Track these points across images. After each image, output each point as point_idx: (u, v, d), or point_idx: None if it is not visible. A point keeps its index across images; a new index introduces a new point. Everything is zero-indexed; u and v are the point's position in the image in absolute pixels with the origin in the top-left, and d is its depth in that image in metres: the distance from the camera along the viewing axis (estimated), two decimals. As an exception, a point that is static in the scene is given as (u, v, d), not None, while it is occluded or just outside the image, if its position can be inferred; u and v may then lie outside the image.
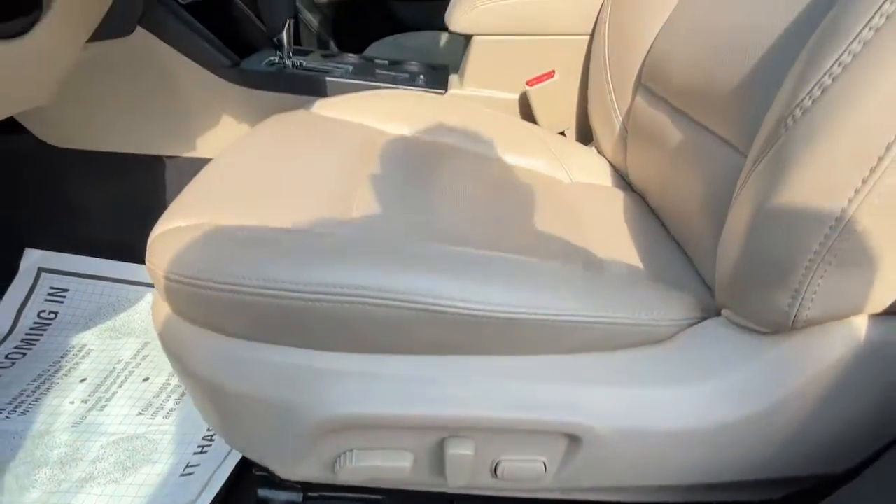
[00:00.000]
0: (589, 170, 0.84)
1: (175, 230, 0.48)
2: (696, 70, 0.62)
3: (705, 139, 0.58)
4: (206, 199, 0.51)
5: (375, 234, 0.50)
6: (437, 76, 1.01)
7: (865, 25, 0.34)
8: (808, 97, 0.36)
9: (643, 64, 0.76)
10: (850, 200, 0.34)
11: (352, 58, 1.07)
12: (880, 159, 0.33)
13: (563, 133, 0.94)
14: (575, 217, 0.69)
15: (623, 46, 0.80)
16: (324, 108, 0.83)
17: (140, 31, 0.86)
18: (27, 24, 0.66)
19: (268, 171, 0.60)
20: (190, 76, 0.90)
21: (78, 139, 0.95)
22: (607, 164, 0.86)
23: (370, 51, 1.53)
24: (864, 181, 0.34)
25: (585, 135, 0.92)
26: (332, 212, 0.53)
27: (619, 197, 0.78)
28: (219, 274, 0.42)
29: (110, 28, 0.82)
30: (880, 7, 0.34)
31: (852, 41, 0.35)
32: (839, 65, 0.35)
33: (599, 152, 0.88)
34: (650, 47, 0.75)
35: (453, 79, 0.97)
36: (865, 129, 0.34)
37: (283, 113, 0.79)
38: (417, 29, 1.74)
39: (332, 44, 1.87)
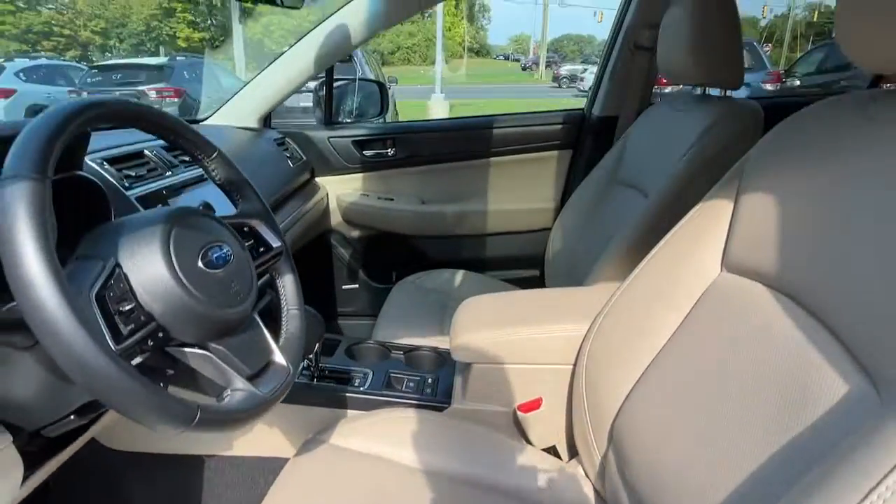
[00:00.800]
0: (577, 496, 0.93)
1: None
2: (650, 471, 0.72)
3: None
4: None
5: None
6: (445, 376, 1.15)
7: None
8: None
9: (615, 419, 0.87)
10: None
11: (372, 348, 1.24)
12: None
13: (553, 447, 1.04)
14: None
15: (597, 391, 0.92)
16: (342, 437, 0.97)
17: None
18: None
19: None
20: (231, 395, 1.06)
21: (130, 443, 1.11)
22: (592, 487, 0.95)
23: (395, 292, 1.72)
24: None
25: (573, 448, 1.02)
26: None
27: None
28: None
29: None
30: None
31: None
32: None
33: (585, 473, 0.97)
34: (621, 406, 0.86)
35: (457, 390, 1.10)
36: None
37: (304, 455, 0.92)
38: (438, 262, 1.95)
39: (360, 272, 2.08)
